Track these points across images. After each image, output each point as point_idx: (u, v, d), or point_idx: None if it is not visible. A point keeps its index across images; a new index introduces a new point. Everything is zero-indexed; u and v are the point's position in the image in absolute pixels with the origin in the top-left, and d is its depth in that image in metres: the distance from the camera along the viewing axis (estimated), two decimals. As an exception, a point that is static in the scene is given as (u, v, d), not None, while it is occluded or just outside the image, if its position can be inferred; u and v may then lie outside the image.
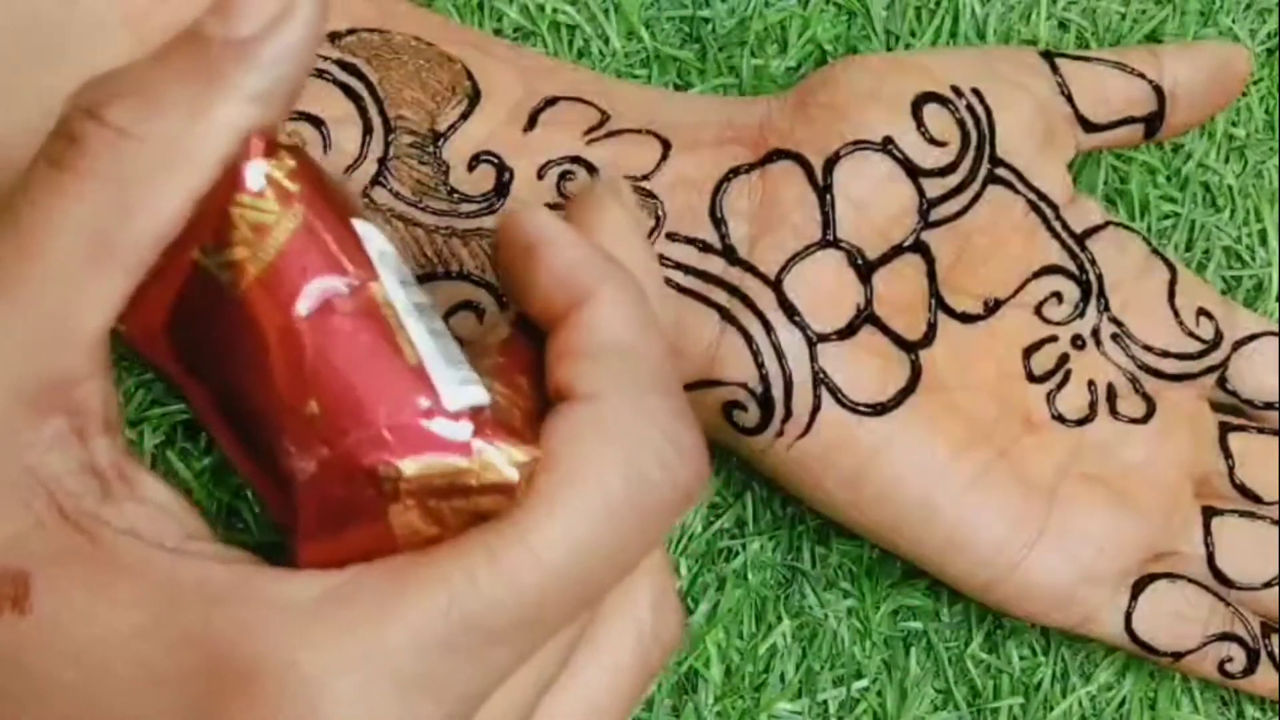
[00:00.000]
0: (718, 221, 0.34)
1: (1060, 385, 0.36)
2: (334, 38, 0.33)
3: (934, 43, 0.41)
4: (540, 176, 0.33)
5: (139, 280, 0.23)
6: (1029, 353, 0.36)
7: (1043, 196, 0.36)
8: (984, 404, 0.35)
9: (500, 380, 0.24)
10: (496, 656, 0.23)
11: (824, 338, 0.34)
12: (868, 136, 0.34)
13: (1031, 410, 0.36)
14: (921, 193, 0.34)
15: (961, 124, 0.35)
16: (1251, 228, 0.42)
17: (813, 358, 0.33)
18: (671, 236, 0.34)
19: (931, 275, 0.35)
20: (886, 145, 0.34)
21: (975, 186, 0.35)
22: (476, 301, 0.33)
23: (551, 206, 0.33)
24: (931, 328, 0.35)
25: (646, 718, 0.36)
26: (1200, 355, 0.37)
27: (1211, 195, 0.42)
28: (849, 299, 0.34)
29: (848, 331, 0.34)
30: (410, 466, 0.22)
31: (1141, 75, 0.36)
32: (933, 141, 0.34)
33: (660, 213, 0.34)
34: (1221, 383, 0.38)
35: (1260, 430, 0.37)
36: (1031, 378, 0.36)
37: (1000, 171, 0.35)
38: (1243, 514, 0.37)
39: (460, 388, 0.23)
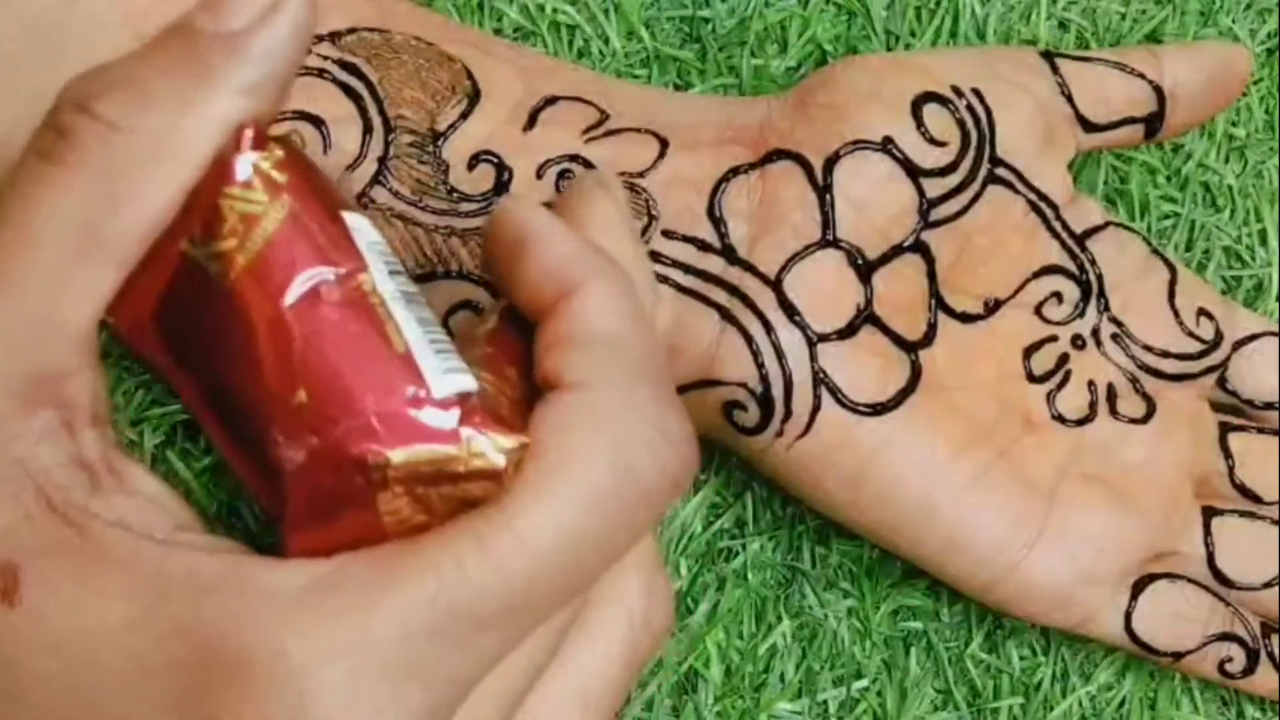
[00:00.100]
0: (717, 221, 0.34)
1: (1060, 385, 0.36)
2: (334, 37, 0.33)
3: (934, 43, 0.41)
4: (540, 176, 0.33)
5: (127, 272, 0.23)
6: (1029, 353, 0.36)
7: (1043, 196, 0.36)
8: (984, 404, 0.35)
9: (488, 370, 0.24)
10: (485, 643, 0.23)
11: (824, 338, 0.34)
12: (868, 136, 0.34)
13: (1031, 410, 0.36)
14: (921, 193, 0.34)
15: (961, 124, 0.35)
16: (1251, 228, 0.42)
17: (813, 358, 0.33)
18: (669, 235, 0.34)
19: (931, 275, 0.35)
20: (886, 145, 0.34)
21: (975, 186, 0.35)
22: (476, 301, 0.33)
23: (550, 206, 0.33)
24: (931, 328, 0.35)
25: (647, 717, 0.36)
26: (1200, 355, 0.37)
27: (1211, 195, 0.42)
28: (849, 299, 0.34)
29: (848, 331, 0.34)
30: (398, 455, 0.23)
31: (1142, 75, 0.36)
32: (933, 141, 0.34)
33: (653, 210, 0.34)
34: (1221, 383, 0.38)
35: (1260, 430, 0.37)
36: (1031, 378, 0.36)
37: (1000, 171, 0.35)
38: (1243, 514, 0.37)
39: (448, 376, 0.23)
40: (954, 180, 0.35)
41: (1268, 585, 0.36)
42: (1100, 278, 0.36)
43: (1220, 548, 0.36)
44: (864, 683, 0.38)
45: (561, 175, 0.33)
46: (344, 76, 0.33)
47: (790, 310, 0.33)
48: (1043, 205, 0.36)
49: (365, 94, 0.33)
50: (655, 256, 0.33)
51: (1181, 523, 0.36)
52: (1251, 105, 0.42)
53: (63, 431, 0.23)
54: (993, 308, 0.36)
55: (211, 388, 0.23)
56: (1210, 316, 0.37)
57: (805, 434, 0.34)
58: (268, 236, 0.23)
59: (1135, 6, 0.42)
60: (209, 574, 0.23)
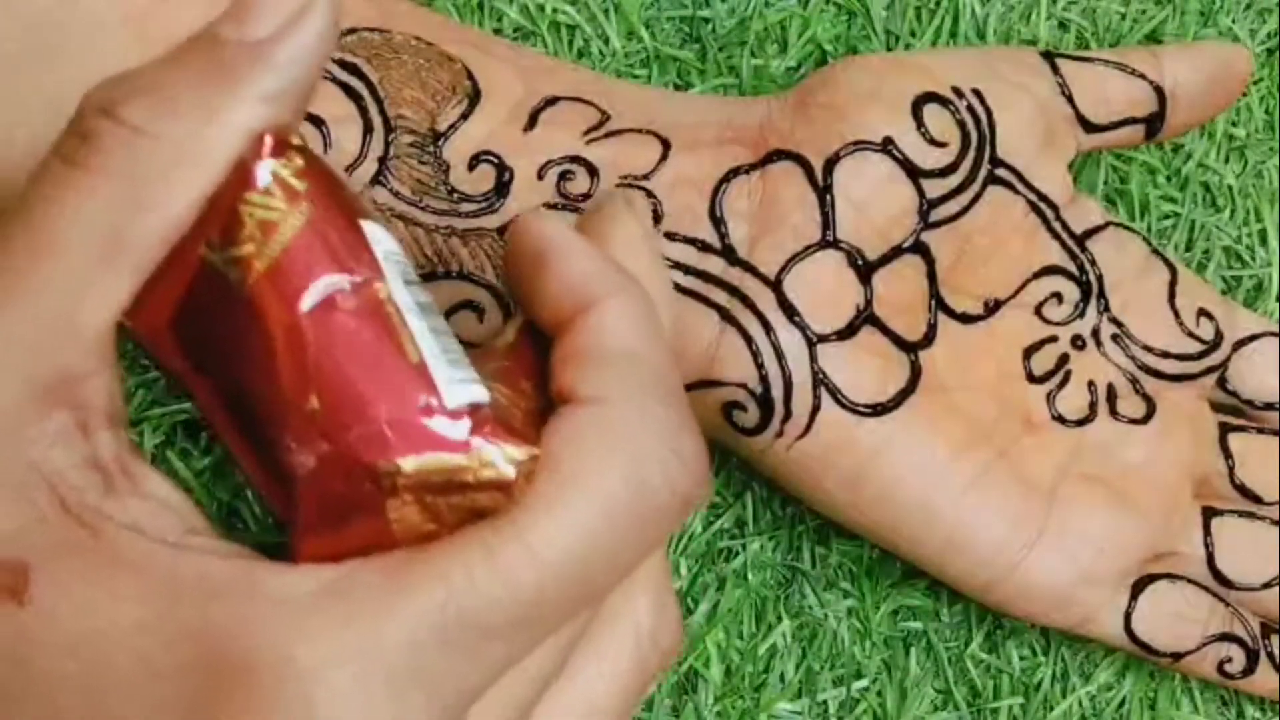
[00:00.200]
0: (717, 221, 0.34)
1: (1060, 386, 0.36)
2: (334, 37, 0.33)
3: (934, 43, 0.41)
4: (540, 176, 0.33)
5: (146, 277, 0.23)
6: (1029, 353, 0.36)
7: (1043, 197, 0.36)
8: (984, 404, 0.35)
9: (503, 382, 0.24)
10: (492, 653, 0.23)
11: (824, 338, 0.34)
12: (868, 137, 0.34)
13: (1031, 410, 0.36)
14: (921, 193, 0.34)
15: (962, 124, 0.35)
16: (1251, 228, 0.42)
17: (812, 358, 0.33)
18: (670, 236, 0.34)
19: (931, 276, 0.35)
20: (886, 146, 0.34)
21: (975, 187, 0.35)
22: (476, 301, 0.33)
23: (551, 206, 0.33)
24: (931, 328, 0.35)
25: (647, 718, 0.36)
26: (1200, 355, 0.37)
27: (1211, 195, 0.42)
28: (849, 299, 0.34)
29: (847, 332, 0.34)
30: (409, 463, 0.23)
31: (1142, 76, 0.36)
32: (933, 142, 0.34)
33: (659, 213, 0.34)
34: (1221, 383, 0.38)
35: (1260, 430, 0.37)
36: (1031, 378, 0.36)
37: (1000, 172, 0.35)
38: (1242, 514, 0.37)
39: (460, 386, 0.23)
40: (954, 181, 0.35)
41: (1267, 585, 0.36)
42: (1100, 278, 0.36)
43: (1220, 548, 0.36)
44: (864, 683, 0.38)
45: (563, 176, 0.33)
46: (344, 76, 0.33)
47: (790, 311, 0.33)
48: (1043, 206, 0.36)
49: (365, 94, 0.33)
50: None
51: (1181, 523, 0.36)
52: (1251, 105, 0.42)
53: (78, 433, 0.23)
54: (993, 308, 0.36)
55: (227, 392, 0.23)
56: (1210, 317, 0.37)
57: (805, 434, 0.34)
58: (285, 243, 0.23)
59: (1135, 6, 0.42)
60: (219, 578, 0.23)
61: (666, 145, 0.34)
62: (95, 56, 0.31)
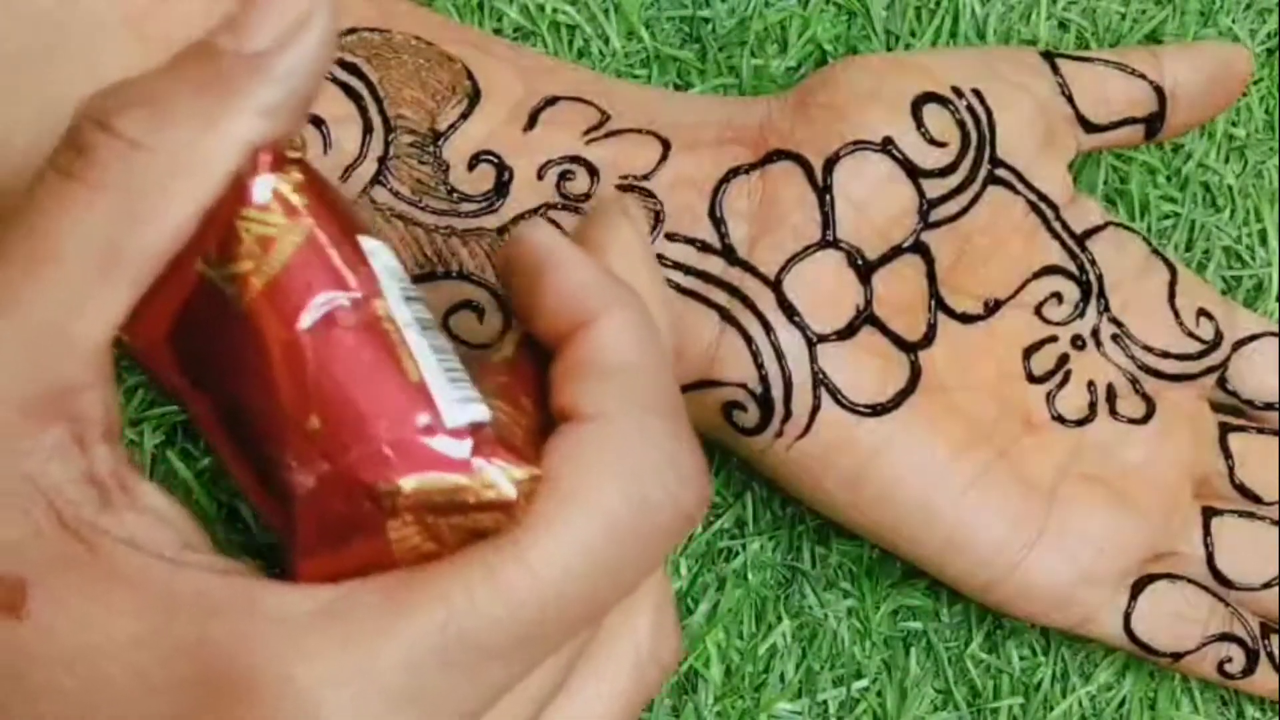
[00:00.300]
0: (717, 221, 0.34)
1: (1060, 386, 0.36)
2: (334, 37, 0.33)
3: (934, 43, 0.41)
4: (540, 176, 0.33)
5: (144, 291, 0.23)
6: (1029, 353, 0.36)
7: (1043, 197, 0.36)
8: (984, 404, 0.35)
9: (503, 399, 0.24)
10: (492, 673, 0.23)
11: (823, 338, 0.34)
12: (868, 137, 0.34)
13: (1031, 411, 0.36)
14: (921, 193, 0.34)
15: (961, 124, 0.35)
16: (1251, 228, 0.42)
17: (812, 358, 0.33)
18: (670, 236, 0.34)
19: (931, 276, 0.35)
20: (886, 145, 0.34)
21: (975, 187, 0.35)
22: (476, 301, 0.33)
23: (551, 206, 0.33)
24: (931, 328, 0.35)
25: (647, 718, 0.36)
26: (1200, 355, 0.37)
27: (1211, 195, 0.42)
28: (848, 299, 0.34)
29: (847, 332, 0.34)
30: (409, 483, 0.22)
31: (1142, 76, 0.36)
32: (933, 142, 0.34)
33: (660, 213, 0.34)
34: (1221, 383, 0.38)
35: (1260, 430, 0.37)
36: (1031, 378, 0.36)
37: (1000, 172, 0.35)
38: (1242, 514, 0.37)
39: (461, 405, 0.23)
40: (954, 181, 0.35)
41: (1267, 585, 0.36)
42: (1100, 278, 0.36)
43: (1220, 548, 0.36)
44: (864, 683, 0.38)
45: (563, 176, 0.33)
46: (344, 76, 0.33)
47: (790, 311, 0.33)
48: (1043, 205, 0.36)
49: (365, 94, 0.33)
50: (657, 258, 0.33)
51: (1181, 523, 0.36)
52: (1251, 105, 0.42)
53: (74, 447, 0.23)
54: (993, 308, 0.36)
55: (224, 409, 0.23)
56: (1210, 317, 0.37)
57: (805, 434, 0.34)
58: (284, 260, 0.23)
59: (1135, 6, 0.42)
60: (218, 595, 0.22)
61: (666, 145, 0.34)
62: (95, 56, 0.31)
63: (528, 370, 0.25)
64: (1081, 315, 0.36)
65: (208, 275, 0.23)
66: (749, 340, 0.33)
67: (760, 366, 0.33)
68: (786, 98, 0.35)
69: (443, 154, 0.33)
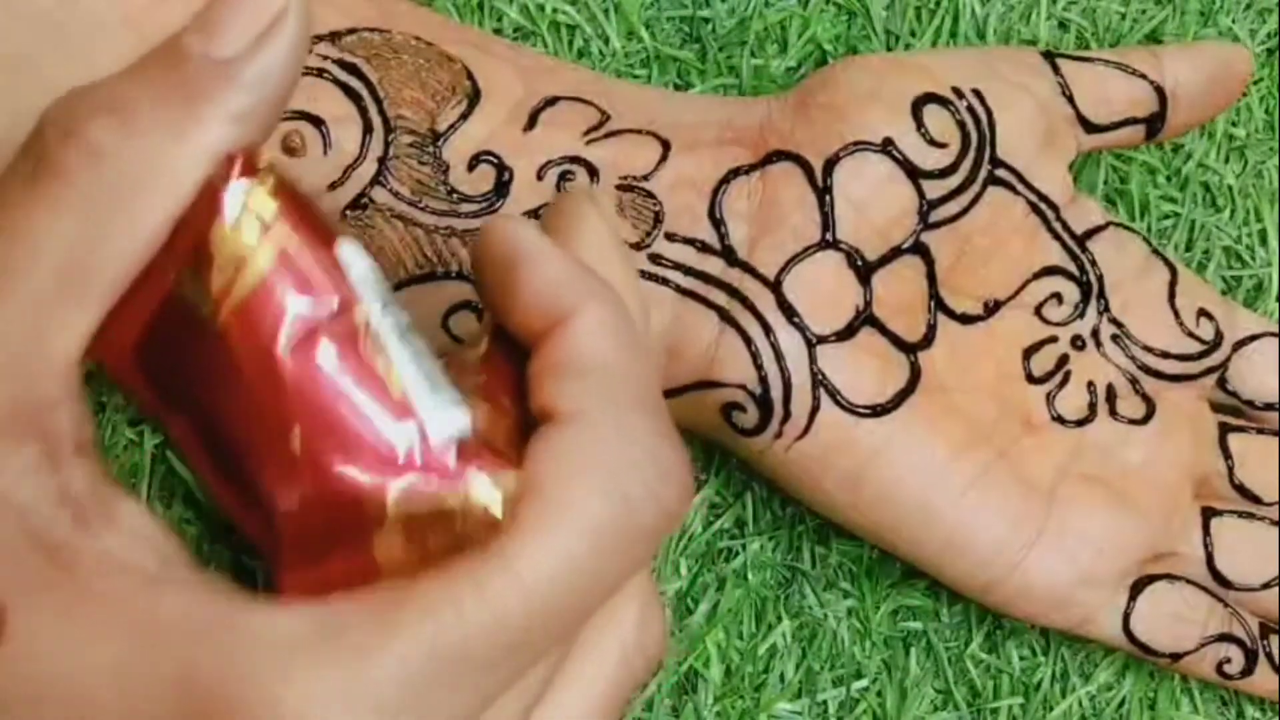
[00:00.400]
0: (717, 222, 0.34)
1: (1060, 386, 0.36)
2: (334, 37, 0.33)
3: (934, 43, 0.41)
4: (540, 176, 0.33)
5: (113, 303, 0.23)
6: (1029, 354, 0.36)
7: (1043, 197, 0.36)
8: (983, 405, 0.35)
9: (483, 399, 0.24)
10: (482, 683, 0.22)
11: (823, 339, 0.34)
12: (868, 137, 0.34)
13: (1031, 411, 0.36)
14: (921, 194, 0.34)
15: (962, 125, 0.35)
16: (1251, 228, 0.42)
17: (812, 359, 0.33)
18: (670, 237, 0.34)
19: (931, 276, 0.35)
20: (886, 146, 0.34)
21: (975, 188, 0.35)
22: (475, 301, 0.33)
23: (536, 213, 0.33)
24: (931, 329, 0.35)
25: (647, 718, 0.36)
26: (1200, 356, 0.37)
27: (1211, 195, 0.42)
28: (848, 300, 0.34)
29: (847, 333, 0.34)
30: (395, 496, 0.22)
31: (1143, 76, 0.36)
32: (933, 142, 0.34)
33: (659, 214, 0.34)
34: (1221, 383, 0.37)
35: (1260, 431, 0.37)
36: (1031, 378, 0.36)
37: (1000, 172, 0.35)
38: (1242, 515, 0.37)
39: (443, 414, 0.23)
40: (954, 181, 0.35)
41: (1267, 586, 0.36)
42: (1100, 278, 0.36)
43: (1219, 548, 0.36)
44: (864, 683, 0.38)
45: (563, 177, 0.33)
46: (344, 76, 0.33)
47: (789, 312, 0.33)
48: (1043, 206, 0.36)
49: (365, 94, 0.33)
50: (656, 259, 0.33)
51: (1181, 523, 0.36)
52: (1251, 105, 0.42)
53: (47, 465, 0.23)
54: (992, 309, 0.36)
55: (200, 426, 0.23)
56: (1210, 317, 0.37)
57: (804, 435, 0.34)
58: (259, 274, 0.22)
59: (1135, 6, 0.42)
60: (202, 617, 0.22)
61: (666, 146, 0.34)
62: (95, 56, 0.31)
63: (504, 366, 0.25)
64: (1081, 316, 0.36)
65: (178, 291, 0.22)
66: (748, 341, 0.33)
67: (760, 367, 0.33)
68: (786, 98, 0.35)
69: (443, 154, 0.33)
